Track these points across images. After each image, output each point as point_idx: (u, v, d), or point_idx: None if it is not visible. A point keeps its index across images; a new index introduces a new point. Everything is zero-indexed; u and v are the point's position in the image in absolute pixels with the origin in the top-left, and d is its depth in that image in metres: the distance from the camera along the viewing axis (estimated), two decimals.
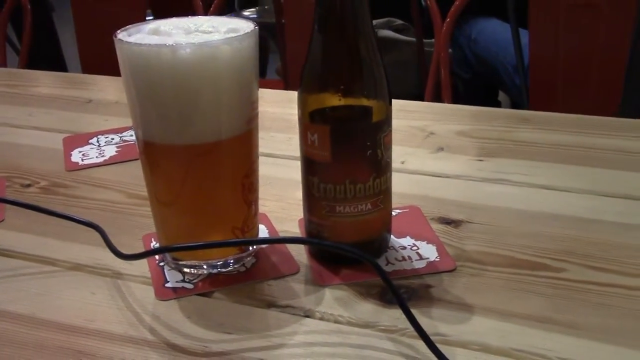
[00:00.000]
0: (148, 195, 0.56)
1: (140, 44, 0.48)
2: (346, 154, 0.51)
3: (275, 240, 0.56)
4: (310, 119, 0.52)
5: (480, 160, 0.75)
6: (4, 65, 1.75)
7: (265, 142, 0.83)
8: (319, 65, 0.51)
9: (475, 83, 2.37)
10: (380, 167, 0.53)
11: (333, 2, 0.49)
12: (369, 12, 0.50)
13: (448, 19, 1.41)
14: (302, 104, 0.52)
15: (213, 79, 0.49)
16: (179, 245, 0.52)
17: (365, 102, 0.51)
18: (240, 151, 0.53)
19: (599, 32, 1.34)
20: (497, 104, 2.43)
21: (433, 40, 2.16)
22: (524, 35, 1.63)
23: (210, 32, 0.51)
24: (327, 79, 0.51)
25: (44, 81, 1.17)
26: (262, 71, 3.09)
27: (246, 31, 0.50)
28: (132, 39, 0.50)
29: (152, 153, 0.53)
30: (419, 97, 1.64)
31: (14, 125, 0.93)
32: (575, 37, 1.38)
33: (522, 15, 1.60)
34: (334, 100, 0.51)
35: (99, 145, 0.84)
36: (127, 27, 0.53)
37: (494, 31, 2.16)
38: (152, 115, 0.50)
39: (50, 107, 1.01)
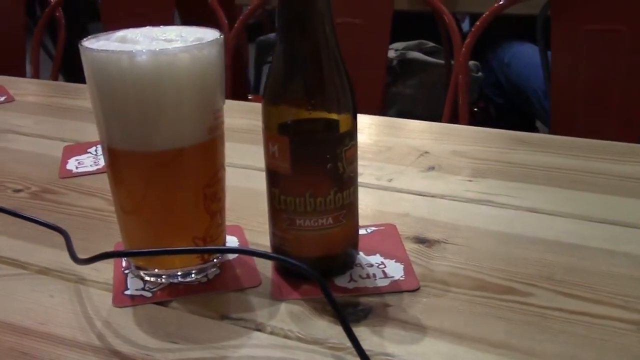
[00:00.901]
0: (113, 204, 0.56)
1: (100, 50, 0.49)
2: (305, 167, 0.51)
3: (224, 250, 0.56)
4: (271, 130, 0.51)
5: (470, 181, 0.73)
6: (37, 76, 1.81)
7: (258, 155, 0.82)
8: (280, 76, 0.51)
9: (508, 108, 2.34)
10: (342, 181, 0.52)
11: (295, 12, 0.49)
12: (333, 24, 0.50)
13: (467, 40, 1.40)
14: (264, 114, 0.52)
15: (171, 86, 0.49)
16: (126, 251, 0.52)
17: (325, 114, 0.51)
18: (201, 160, 0.53)
19: (621, 57, 1.31)
20: (534, 129, 2.39)
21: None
22: None
23: (175, 40, 0.51)
24: (287, 90, 0.51)
25: (61, 92, 1.20)
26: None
27: (208, 40, 0.50)
28: (95, 46, 0.50)
29: (115, 160, 0.53)
30: (437, 117, 1.62)
31: (20, 132, 0.95)
32: (596, 62, 1.34)
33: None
34: (294, 111, 0.50)
35: (96, 154, 0.85)
36: (98, 34, 0.53)
37: (526, 56, 2.13)
38: (114, 121, 0.51)
39: (60, 116, 1.03)
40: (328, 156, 0.51)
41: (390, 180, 0.74)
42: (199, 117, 0.51)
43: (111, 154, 0.53)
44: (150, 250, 0.51)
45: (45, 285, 0.56)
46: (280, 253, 0.54)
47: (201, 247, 0.54)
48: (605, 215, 0.64)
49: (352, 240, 0.56)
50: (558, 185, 0.71)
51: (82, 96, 1.13)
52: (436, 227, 0.63)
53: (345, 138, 0.51)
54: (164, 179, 0.52)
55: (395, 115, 2.10)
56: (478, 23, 1.40)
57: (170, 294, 0.54)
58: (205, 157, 0.53)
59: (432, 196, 0.70)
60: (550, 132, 1.51)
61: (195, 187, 0.53)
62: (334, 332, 0.48)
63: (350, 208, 0.54)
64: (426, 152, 0.81)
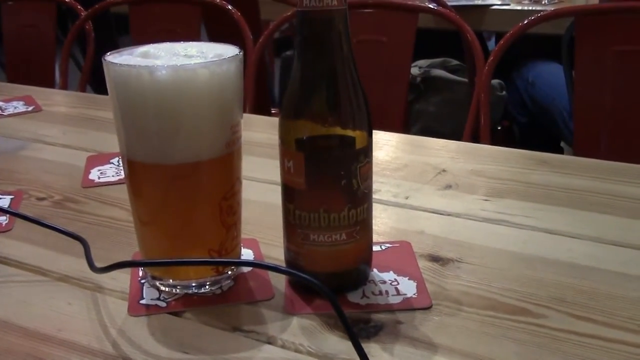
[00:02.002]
0: (132, 215, 0.57)
1: (122, 65, 0.50)
2: (320, 182, 0.51)
3: (238, 263, 0.57)
4: (287, 146, 0.52)
5: (486, 200, 0.73)
6: (65, 87, 1.84)
7: (277, 169, 0.83)
8: (296, 92, 0.52)
9: (532, 127, 2.33)
10: (356, 198, 0.52)
11: (312, 30, 0.50)
12: (349, 42, 0.51)
13: (491, 58, 1.40)
14: (280, 130, 0.53)
15: (191, 100, 0.50)
16: (142, 261, 0.53)
17: (341, 131, 0.51)
18: (218, 173, 0.54)
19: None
20: (559, 150, 2.37)
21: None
22: None
23: (195, 56, 0.52)
24: (303, 107, 0.51)
25: (87, 103, 1.22)
26: None
27: (227, 56, 0.51)
28: (118, 60, 0.51)
29: (134, 172, 0.54)
30: (458, 137, 1.61)
31: (47, 142, 0.97)
32: (622, 84, 1.33)
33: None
34: (310, 128, 0.51)
35: (118, 165, 0.87)
36: (122, 49, 0.55)
37: (551, 75, 2.12)
38: (134, 134, 0.52)
39: (85, 127, 1.05)
40: (342, 172, 0.51)
41: (407, 197, 0.74)
42: (216, 132, 0.52)
43: (130, 166, 0.54)
44: (164, 260, 0.52)
45: (64, 293, 0.57)
46: (293, 267, 0.55)
47: (215, 259, 0.54)
48: (621, 239, 0.63)
49: (365, 257, 0.56)
50: (576, 206, 0.71)
51: (106, 107, 1.15)
52: (451, 246, 0.63)
53: (360, 155, 0.52)
54: (182, 192, 0.53)
55: (419, 132, 2.10)
56: (502, 42, 1.41)
57: (185, 304, 0.54)
58: (222, 171, 0.54)
59: (448, 214, 0.70)
60: (573, 153, 1.50)
61: (212, 200, 0.54)
62: (344, 347, 0.49)
63: (364, 224, 0.54)
64: (444, 171, 0.81)
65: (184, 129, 0.51)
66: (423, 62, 2.17)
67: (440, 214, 0.71)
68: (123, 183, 0.81)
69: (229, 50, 0.53)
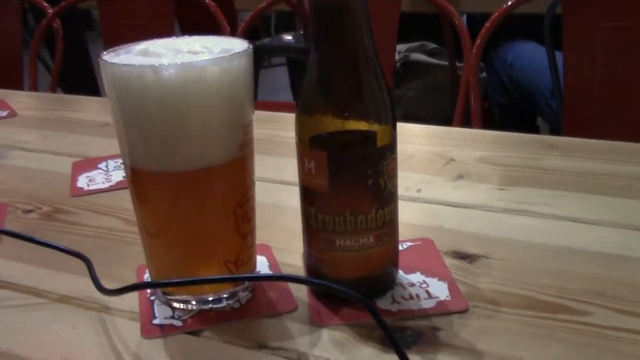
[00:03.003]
0: (137, 226, 0.52)
1: (123, 65, 0.45)
2: (345, 183, 0.47)
3: (263, 278, 0.52)
4: (307, 144, 0.48)
5: (502, 190, 0.70)
6: (36, 88, 1.77)
7: (280, 167, 0.80)
8: (316, 86, 0.47)
9: (511, 108, 2.31)
10: (383, 198, 0.49)
11: (331, 19, 0.46)
12: (371, 30, 0.46)
13: (478, 41, 1.37)
14: (299, 127, 0.48)
15: (200, 101, 0.45)
16: (163, 282, 0.49)
17: (366, 126, 0.47)
18: (231, 179, 0.49)
19: (636, 54, 1.28)
20: (535, 129, 2.37)
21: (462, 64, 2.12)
22: (561, 58, 1.57)
23: (201, 52, 0.48)
24: (325, 102, 0.47)
25: (63, 104, 1.16)
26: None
27: (237, 51, 0.47)
28: (116, 60, 0.47)
29: (138, 180, 0.49)
30: (447, 121, 1.59)
31: (26, 149, 0.92)
32: (612, 61, 1.32)
33: (559, 37, 1.55)
34: (333, 124, 0.47)
35: (107, 171, 0.82)
36: (117, 47, 0.50)
37: (530, 55, 2.11)
38: (137, 140, 0.47)
39: (65, 130, 1.00)
40: (369, 171, 0.47)
41: (418, 190, 0.71)
42: (229, 134, 0.48)
43: (135, 174, 0.49)
44: (183, 280, 0.48)
45: (66, 316, 0.52)
46: (316, 275, 0.51)
47: (240, 275, 0.50)
48: None
49: (393, 259, 0.52)
50: (594, 191, 0.68)
51: (85, 109, 1.10)
52: (474, 241, 0.60)
53: (387, 151, 0.48)
54: (193, 200, 0.48)
55: (400, 118, 2.07)
56: (488, 24, 1.38)
57: (202, 322, 0.50)
58: (236, 176, 0.49)
59: (465, 207, 0.67)
60: (562, 134, 1.48)
61: (226, 207, 0.49)
62: None
63: (391, 225, 0.50)
64: (452, 160, 0.78)
65: (194, 132, 0.46)
66: (401, 47, 2.14)
67: (456, 206, 0.67)
68: (114, 190, 0.77)
69: (236, 45, 0.49)
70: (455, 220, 0.64)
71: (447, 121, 1.56)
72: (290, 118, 0.95)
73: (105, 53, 0.48)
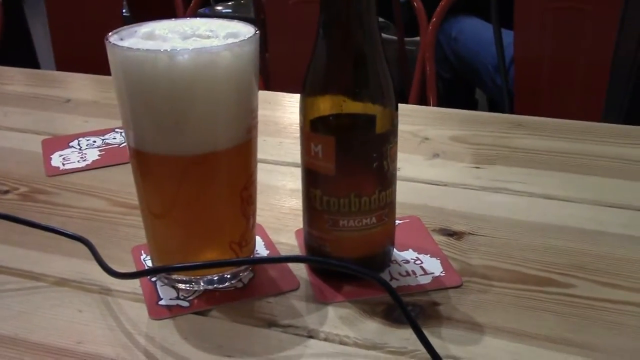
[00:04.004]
0: (139, 206, 0.53)
1: (135, 49, 0.45)
2: (352, 167, 0.49)
3: (279, 260, 0.54)
4: (314, 129, 0.49)
5: (478, 168, 0.73)
6: None
7: (260, 146, 0.80)
8: (325, 71, 0.48)
9: (455, 82, 2.36)
10: (386, 180, 0.51)
11: (339, 8, 0.47)
12: (377, 17, 0.48)
13: (434, 19, 1.40)
14: (306, 111, 0.50)
15: (211, 86, 0.46)
16: (176, 266, 0.49)
17: (372, 111, 0.49)
18: (239, 162, 0.50)
19: (584, 34, 1.34)
20: (474, 102, 2.43)
21: (413, 38, 2.15)
22: (506, 35, 1.62)
23: (209, 36, 0.48)
24: (333, 87, 0.49)
25: (18, 78, 1.13)
26: None
27: (247, 36, 0.47)
28: (125, 43, 0.46)
29: (144, 162, 0.50)
30: (401, 95, 1.62)
31: None
32: (560, 39, 1.37)
33: (504, 14, 1.59)
34: (340, 108, 0.48)
35: (80, 149, 0.80)
36: (119, 29, 0.49)
37: (475, 30, 2.15)
38: (146, 123, 0.47)
39: (27, 106, 0.97)
40: (374, 155, 0.49)
41: (399, 169, 0.73)
42: (238, 118, 0.48)
43: (140, 156, 0.49)
44: (195, 264, 0.48)
45: (69, 299, 0.52)
46: (318, 254, 0.53)
47: (253, 258, 0.51)
48: (617, 200, 0.65)
49: (391, 238, 0.54)
50: (565, 169, 0.72)
51: (51, 84, 1.07)
52: (458, 218, 0.63)
53: (391, 135, 0.50)
54: (201, 183, 0.49)
55: None
56: (444, 2, 1.40)
57: (208, 302, 0.51)
58: (244, 159, 0.50)
59: (445, 185, 0.70)
60: (513, 110, 1.53)
61: (233, 190, 0.50)
62: (390, 335, 0.47)
63: (391, 206, 0.52)
64: (426, 139, 0.81)
65: (204, 116, 0.47)
66: None
67: (437, 184, 0.70)
68: (92, 169, 0.76)
69: (243, 29, 0.49)
70: (437, 198, 0.67)
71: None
72: (267, 95, 0.96)
73: (110, 35, 0.48)
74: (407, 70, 2.07)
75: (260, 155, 0.77)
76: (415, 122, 0.86)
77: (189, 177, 0.49)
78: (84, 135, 0.84)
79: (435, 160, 0.75)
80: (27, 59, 2.31)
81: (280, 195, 0.68)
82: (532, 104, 1.44)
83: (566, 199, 0.66)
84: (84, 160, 0.77)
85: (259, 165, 0.75)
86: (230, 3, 3.20)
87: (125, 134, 0.50)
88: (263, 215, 0.63)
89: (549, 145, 0.77)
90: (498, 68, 1.82)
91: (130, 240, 0.60)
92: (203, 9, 2.99)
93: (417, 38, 1.68)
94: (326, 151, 0.49)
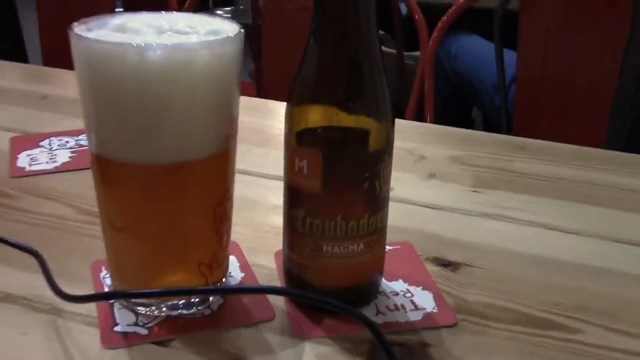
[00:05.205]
0: (100, 217, 0.47)
1: (102, 42, 0.40)
2: (340, 186, 0.44)
3: (246, 290, 0.48)
4: (300, 142, 0.44)
5: (476, 192, 0.68)
6: None
7: (240, 156, 0.75)
8: (316, 79, 0.43)
9: (453, 100, 2.32)
10: (377, 203, 0.45)
11: (336, 10, 0.41)
12: (376, 24, 0.43)
13: (435, 34, 1.35)
14: (290, 123, 0.44)
15: (186, 88, 0.40)
16: (130, 292, 0.44)
17: (366, 125, 0.44)
18: (214, 174, 0.45)
19: (588, 58, 1.29)
20: (470, 121, 2.39)
21: (412, 53, 2.10)
22: (506, 54, 1.58)
23: (187, 32, 0.43)
24: (324, 95, 0.43)
25: None
26: None
27: (230, 34, 0.42)
28: (92, 35, 0.41)
29: (106, 169, 0.44)
30: (397, 111, 1.57)
31: None
32: (563, 61, 1.33)
33: (506, 34, 1.55)
34: (331, 121, 0.43)
35: (50, 149, 0.75)
36: (88, 19, 0.44)
37: (475, 48, 2.11)
38: (110, 125, 0.42)
39: (0, 101, 0.91)
40: (366, 174, 0.44)
41: (392, 189, 0.68)
42: (215, 125, 0.43)
43: (102, 164, 0.44)
44: (159, 291, 0.43)
45: (14, 318, 0.47)
46: (297, 281, 0.47)
47: (223, 288, 0.46)
48: (623, 235, 0.60)
49: (380, 267, 0.49)
50: (567, 198, 0.67)
51: (30, 79, 1.01)
52: (454, 247, 0.57)
53: (385, 153, 0.44)
54: (169, 197, 0.43)
55: None
56: (445, 17, 1.36)
57: (170, 331, 0.45)
58: (219, 171, 0.45)
59: (441, 208, 0.65)
60: (511, 132, 1.49)
61: (206, 205, 0.45)
62: None
63: (381, 232, 0.47)
64: (423, 157, 0.76)
65: (177, 121, 0.41)
66: None
67: (432, 207, 0.65)
68: (61, 172, 0.70)
69: (224, 26, 0.44)
70: (433, 222, 0.62)
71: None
72: (256, 103, 0.90)
73: (75, 25, 0.42)
74: (405, 85, 2.03)
75: (243, 166, 0.72)
76: (411, 139, 0.81)
77: (156, 188, 0.43)
78: (56, 134, 0.78)
79: (432, 181, 0.70)
80: (16, 52, 2.25)
81: (262, 211, 0.63)
82: (531, 125, 1.40)
83: (569, 230, 0.61)
84: (53, 162, 0.71)
85: (241, 177, 0.69)
86: (228, 8, 3.16)
87: (87, 137, 0.45)
88: (241, 232, 0.58)
89: (552, 171, 0.72)
90: (497, 87, 1.78)
91: (91, 254, 0.54)
92: (201, 12, 2.95)
93: (417, 53, 1.64)
94: (312, 167, 0.43)
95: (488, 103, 2.04)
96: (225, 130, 0.44)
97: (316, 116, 0.43)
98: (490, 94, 2.00)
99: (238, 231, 0.57)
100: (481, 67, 2.02)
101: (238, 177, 0.69)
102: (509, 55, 1.49)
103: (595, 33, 1.28)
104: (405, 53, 2.06)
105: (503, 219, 0.63)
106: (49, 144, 0.76)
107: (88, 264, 0.53)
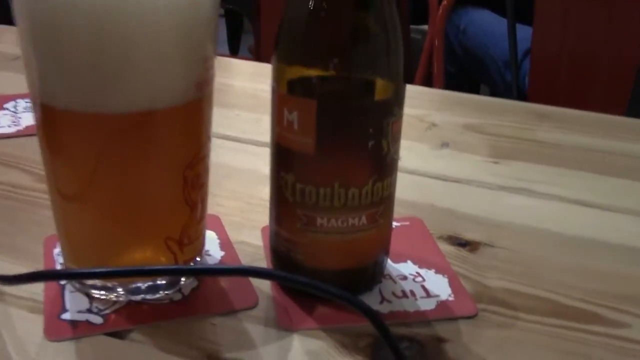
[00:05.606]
0: (47, 185, 0.39)
1: None
2: (338, 144, 0.35)
3: (214, 271, 0.39)
4: (290, 90, 0.36)
5: (496, 163, 0.59)
6: None
7: (229, 121, 0.67)
8: (309, 17, 0.35)
9: (461, 77, 2.23)
10: (384, 166, 0.37)
11: None
12: None
13: (445, 2, 1.26)
14: (278, 68, 0.36)
15: (149, 20, 0.32)
16: (85, 271, 0.36)
17: (369, 72, 0.35)
18: (183, 129, 0.36)
19: (609, 29, 1.20)
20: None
21: (419, 26, 2.01)
22: (518, 29, 1.49)
23: None
24: (318, 37, 0.35)
25: None
26: (235, 50, 2.91)
27: None
28: None
29: (52, 124, 0.36)
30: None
31: None
32: (583, 34, 1.24)
33: (518, 9, 1.46)
34: (329, 65, 0.35)
35: (15, 112, 0.66)
36: None
37: (485, 23, 2.02)
38: (55, 70, 0.34)
39: None
40: (371, 130, 0.35)
41: (399, 158, 0.59)
42: (184, 66, 0.35)
43: (47, 115, 0.36)
44: (116, 270, 0.35)
45: None
46: (286, 262, 0.39)
47: (188, 268, 0.38)
48: None
49: (386, 246, 0.41)
50: (601, 171, 0.59)
51: (1, 39, 0.93)
52: (472, 224, 0.49)
53: (394, 106, 0.36)
54: (128, 155, 0.35)
55: None
56: None
57: (130, 319, 0.37)
58: (190, 125, 0.36)
59: (455, 181, 0.56)
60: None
61: (173, 167, 0.36)
62: None
63: (388, 203, 0.39)
64: (434, 125, 0.67)
65: (136, 62, 0.33)
66: None
67: (445, 179, 0.56)
68: (24, 136, 0.62)
69: None
70: (446, 196, 0.53)
71: None
72: (242, 65, 0.81)
73: None
74: (408, 58, 1.94)
75: (232, 132, 0.64)
76: (421, 105, 0.72)
77: (113, 145, 0.35)
78: (24, 96, 0.70)
79: (444, 151, 0.62)
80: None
81: (250, 182, 0.54)
82: (546, 103, 1.31)
83: (607, 208, 0.52)
84: (16, 125, 0.63)
85: (229, 144, 0.62)
86: None
87: (28, 86, 0.36)
88: (225, 205, 0.50)
89: (580, 142, 0.64)
90: (509, 63, 1.69)
91: (46, 228, 0.46)
92: None
93: (424, 26, 1.55)
94: (304, 120, 0.35)
95: (498, 80, 1.95)
96: (197, 73, 0.35)
97: (310, 62, 0.35)
98: (500, 71, 1.91)
99: (221, 203, 0.50)
100: (491, 42, 1.92)
101: (225, 144, 0.62)
102: (521, 30, 1.41)
103: (619, 2, 1.19)
104: (411, 27, 1.96)
105: (527, 193, 0.54)
106: (15, 107, 0.68)
107: (41, 239, 0.45)
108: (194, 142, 0.37)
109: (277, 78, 0.36)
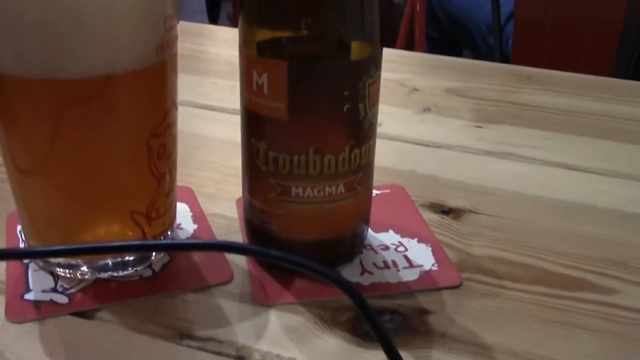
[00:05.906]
0: (2, 159, 0.36)
1: None
2: (312, 108, 0.33)
3: (176, 247, 0.37)
4: (258, 52, 0.33)
5: (480, 127, 0.58)
6: None
7: (203, 89, 0.65)
8: None
9: (442, 43, 2.20)
10: (362, 131, 0.35)
11: None
12: None
13: None
14: (245, 28, 0.33)
15: None
16: (38, 250, 0.34)
17: (343, 30, 0.33)
18: (145, 94, 0.34)
19: None
20: None
21: None
22: None
23: None
24: None
25: None
26: (214, 18, 2.85)
27: None
28: None
29: (3, 91, 0.33)
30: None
31: None
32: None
33: None
34: (297, 24, 0.32)
35: None
36: None
37: None
38: (3, 30, 0.31)
39: None
40: (346, 92, 0.33)
41: (379, 124, 0.57)
42: (141, 27, 0.32)
43: None
44: (80, 247, 0.32)
45: None
46: (261, 234, 0.37)
47: (155, 243, 0.36)
48: None
49: (365, 215, 0.39)
50: (587, 133, 0.57)
51: None
52: (456, 190, 0.48)
53: (371, 66, 0.34)
54: (87, 125, 0.33)
55: None
56: None
57: (96, 298, 0.35)
58: (152, 90, 0.34)
59: (438, 146, 0.54)
60: None
61: (136, 136, 0.34)
62: (357, 357, 0.32)
63: (367, 170, 0.37)
64: (415, 89, 0.65)
65: (91, 22, 0.30)
66: None
67: (427, 145, 0.55)
68: None
69: None
70: (428, 162, 0.52)
71: None
72: (218, 31, 0.78)
73: None
74: (391, 25, 1.91)
75: (206, 100, 0.62)
76: (401, 69, 0.70)
77: (69, 114, 0.33)
78: None
79: (427, 116, 0.60)
80: None
81: (225, 152, 0.52)
82: (532, 66, 1.29)
83: (595, 171, 0.51)
84: None
85: (203, 113, 0.59)
86: None
87: None
88: (198, 176, 0.48)
89: (566, 104, 0.62)
90: (491, 27, 1.67)
91: (8, 203, 0.43)
92: None
93: None
94: (275, 83, 0.33)
95: (481, 45, 1.92)
96: (158, 34, 0.33)
97: (279, 19, 0.33)
98: (483, 35, 1.89)
99: (193, 174, 0.48)
100: (474, 7, 1.90)
101: (199, 113, 0.59)
102: None
103: None
104: None
105: (512, 157, 0.53)
106: None
107: (4, 215, 0.43)
108: (158, 109, 0.35)
109: (245, 40, 0.34)
